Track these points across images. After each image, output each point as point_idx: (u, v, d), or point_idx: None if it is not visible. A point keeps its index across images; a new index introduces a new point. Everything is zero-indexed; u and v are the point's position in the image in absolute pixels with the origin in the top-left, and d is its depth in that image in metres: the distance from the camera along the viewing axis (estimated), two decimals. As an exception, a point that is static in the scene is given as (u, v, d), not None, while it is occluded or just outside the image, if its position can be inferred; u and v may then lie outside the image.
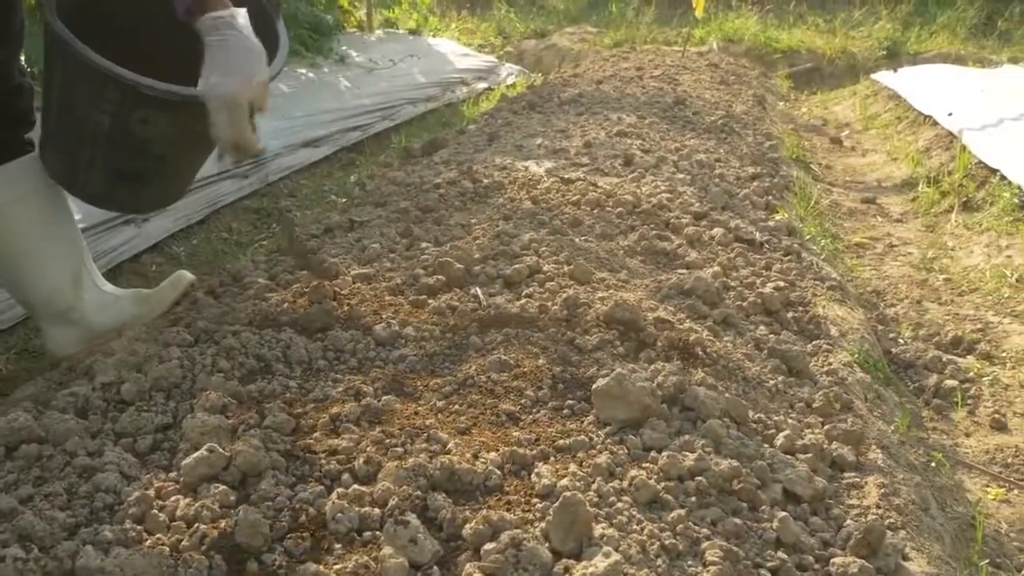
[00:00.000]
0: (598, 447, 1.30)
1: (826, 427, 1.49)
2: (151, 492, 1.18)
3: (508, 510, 1.14)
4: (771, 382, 1.64)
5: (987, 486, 1.71)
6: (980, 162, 3.30)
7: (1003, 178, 3.06)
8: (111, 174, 1.70)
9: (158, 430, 1.35)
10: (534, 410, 1.41)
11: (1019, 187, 2.90)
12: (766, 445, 1.39)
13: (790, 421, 1.49)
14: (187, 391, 1.45)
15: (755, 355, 1.74)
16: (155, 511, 1.14)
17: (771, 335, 1.83)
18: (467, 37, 7.71)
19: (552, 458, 1.27)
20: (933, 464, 1.71)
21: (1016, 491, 1.68)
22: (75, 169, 1.71)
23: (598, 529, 1.10)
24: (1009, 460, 1.78)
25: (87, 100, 1.58)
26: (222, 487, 1.18)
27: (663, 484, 1.21)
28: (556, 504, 1.09)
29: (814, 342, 1.88)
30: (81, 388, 1.46)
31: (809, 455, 1.37)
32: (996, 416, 1.90)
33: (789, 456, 1.36)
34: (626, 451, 1.29)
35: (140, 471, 1.24)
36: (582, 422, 1.37)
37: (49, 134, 1.70)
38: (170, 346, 1.58)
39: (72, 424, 1.32)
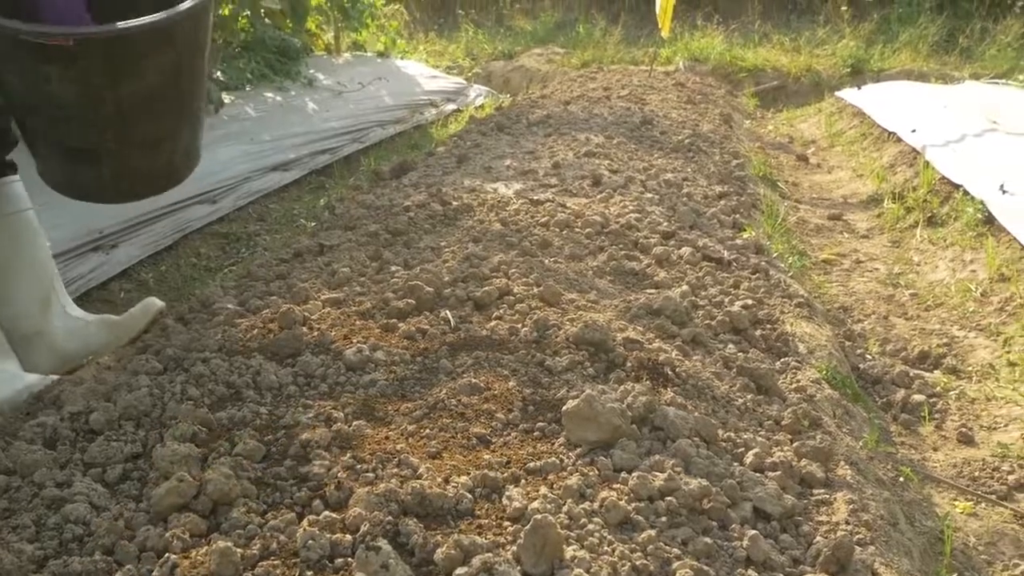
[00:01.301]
0: (568, 469, 1.30)
1: (795, 444, 1.50)
2: (120, 523, 1.17)
3: (480, 534, 1.14)
4: (740, 400, 1.65)
5: (955, 500, 1.72)
6: (943, 178, 3.34)
7: (966, 193, 3.10)
8: (59, 152, 1.68)
9: (128, 459, 1.34)
10: (505, 433, 1.41)
11: (982, 202, 2.94)
12: (736, 463, 1.40)
13: (759, 439, 1.50)
14: (157, 419, 1.44)
15: (724, 373, 1.75)
16: (124, 541, 1.13)
17: (740, 353, 1.84)
18: (435, 59, 7.72)
19: (523, 481, 1.27)
20: (901, 479, 1.72)
21: (983, 504, 1.70)
22: (35, 154, 1.70)
23: (569, 551, 1.10)
24: (976, 473, 1.80)
25: (4, 68, 1.57)
26: (192, 516, 1.17)
27: (633, 505, 1.21)
28: (527, 527, 1.10)
29: (782, 359, 1.89)
30: (49, 418, 1.45)
31: (778, 473, 1.38)
32: (963, 430, 1.92)
33: (758, 474, 1.37)
34: (596, 472, 1.29)
35: (110, 501, 1.23)
36: (553, 444, 1.37)
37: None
38: (139, 374, 1.57)
39: (40, 455, 1.32)
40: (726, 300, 2.09)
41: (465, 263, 2.12)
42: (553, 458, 1.32)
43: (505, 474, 1.28)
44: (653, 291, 2.06)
